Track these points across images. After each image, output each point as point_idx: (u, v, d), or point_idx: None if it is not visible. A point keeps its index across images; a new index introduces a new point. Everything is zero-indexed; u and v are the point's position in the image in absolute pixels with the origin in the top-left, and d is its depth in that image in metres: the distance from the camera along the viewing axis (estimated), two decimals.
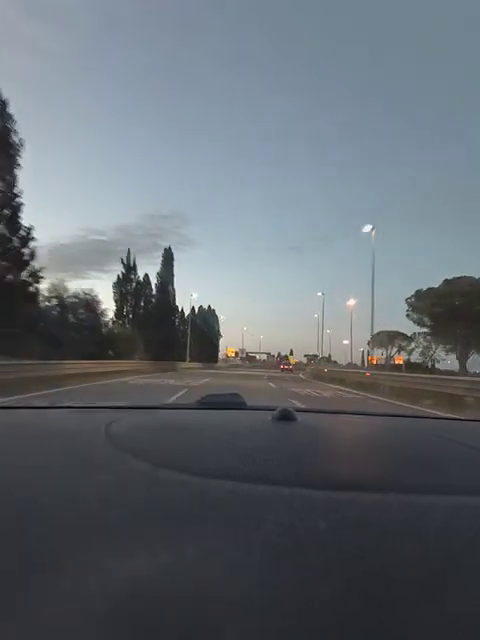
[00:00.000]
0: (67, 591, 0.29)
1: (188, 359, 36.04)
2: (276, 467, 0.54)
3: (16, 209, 14.65)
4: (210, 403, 1.08)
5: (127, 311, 30.81)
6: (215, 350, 54.67)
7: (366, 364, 60.02)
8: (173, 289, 35.63)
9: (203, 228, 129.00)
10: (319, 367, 33.91)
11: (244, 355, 79.80)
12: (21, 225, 14.75)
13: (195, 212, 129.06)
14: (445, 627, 0.27)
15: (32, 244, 14.90)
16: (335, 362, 52.15)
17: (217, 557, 0.33)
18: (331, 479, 0.52)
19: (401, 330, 53.02)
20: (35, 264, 15.01)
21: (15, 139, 14.26)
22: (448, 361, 41.77)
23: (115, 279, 30.39)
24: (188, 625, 0.26)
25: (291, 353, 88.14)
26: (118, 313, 30.08)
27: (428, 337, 49.29)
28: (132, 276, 31.29)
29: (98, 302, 20.66)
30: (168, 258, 35.33)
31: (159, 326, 33.17)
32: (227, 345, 76.98)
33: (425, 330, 37.38)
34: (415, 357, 53.72)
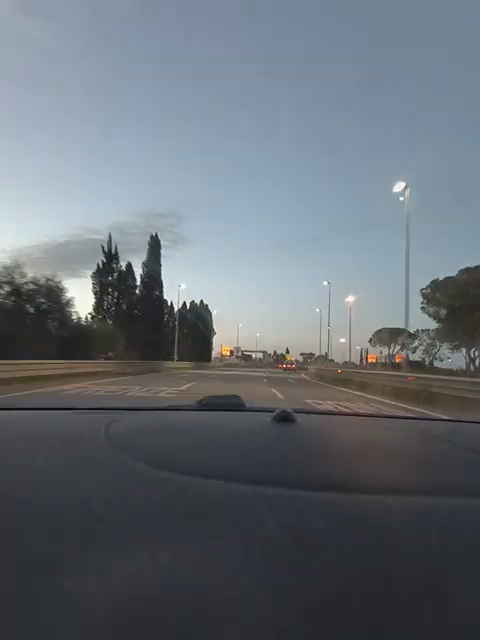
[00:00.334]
0: (67, 591, 0.29)
1: (176, 358, 32.19)
2: (276, 468, 0.55)
3: None
4: (210, 404, 1.09)
5: (108, 305, 27.41)
6: (208, 348, 50.87)
7: (365, 363, 58.51)
8: (161, 281, 32.18)
9: (198, 226, 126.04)
10: (328, 367, 29.29)
11: (239, 354, 76.59)
12: None
13: (190, 210, 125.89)
14: (445, 627, 0.27)
15: None
16: (332, 360, 49.28)
17: (217, 557, 0.33)
18: (330, 480, 0.53)
19: (398, 328, 50.95)
20: None
21: None
22: (450, 359, 39.55)
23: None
24: (188, 625, 0.26)
25: (287, 351, 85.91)
26: (97, 306, 26.66)
27: (431, 334, 46.82)
28: (114, 265, 27.86)
29: (62, 289, 16.88)
30: (155, 246, 31.66)
31: (145, 322, 29.84)
32: (222, 344, 73.89)
33: (436, 326, 34.22)
34: (418, 355, 51.27)
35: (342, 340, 44.83)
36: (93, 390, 9.16)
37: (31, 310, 15.79)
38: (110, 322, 25.57)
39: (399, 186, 15.49)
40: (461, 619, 0.28)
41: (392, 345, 55.40)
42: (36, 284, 16.00)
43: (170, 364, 27.72)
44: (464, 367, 32.20)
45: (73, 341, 16.18)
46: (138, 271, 30.13)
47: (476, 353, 32.20)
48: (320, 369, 25.96)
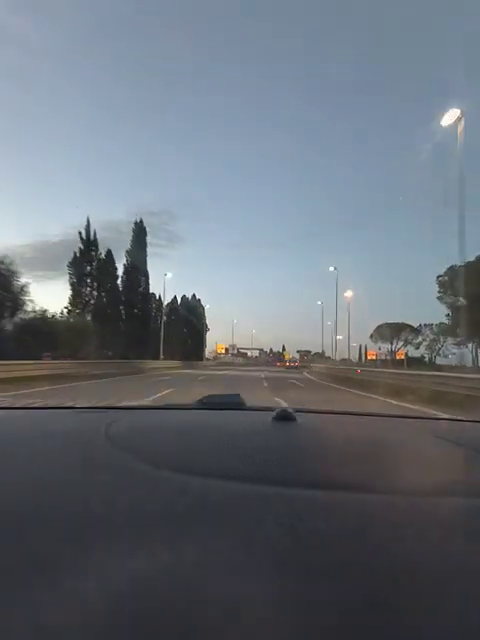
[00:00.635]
0: (67, 591, 0.29)
1: (162, 357, 28.93)
2: (276, 467, 0.55)
3: None
4: (210, 403, 1.08)
5: (87, 297, 24.36)
6: (200, 345, 47.67)
7: (364, 360, 56.05)
8: (146, 271, 29.02)
9: (191, 225, 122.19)
10: (336, 366, 25.08)
11: (235, 351, 73.52)
12: None
13: (183, 209, 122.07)
14: (445, 627, 0.27)
15: None
16: (328, 357, 46.85)
17: (217, 557, 0.33)
18: (331, 479, 0.53)
19: (400, 323, 48.56)
20: None
21: None
22: (450, 355, 37.17)
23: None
24: (188, 625, 0.26)
25: (283, 349, 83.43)
26: (73, 299, 23.59)
27: (434, 328, 44.21)
28: (93, 253, 24.72)
29: (14, 272, 13.73)
30: (139, 233, 28.48)
31: (129, 316, 26.82)
32: (217, 341, 70.83)
33: (450, 319, 31.40)
34: (421, 351, 48.79)
35: (340, 337, 42.23)
36: None
37: None
38: (88, 317, 22.62)
39: (452, 116, 12.33)
40: (461, 619, 0.28)
41: (394, 341, 53.05)
42: None
43: (155, 364, 24.43)
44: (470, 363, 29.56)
45: (33, 337, 13.17)
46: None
47: None
48: (330, 368, 21.93)
